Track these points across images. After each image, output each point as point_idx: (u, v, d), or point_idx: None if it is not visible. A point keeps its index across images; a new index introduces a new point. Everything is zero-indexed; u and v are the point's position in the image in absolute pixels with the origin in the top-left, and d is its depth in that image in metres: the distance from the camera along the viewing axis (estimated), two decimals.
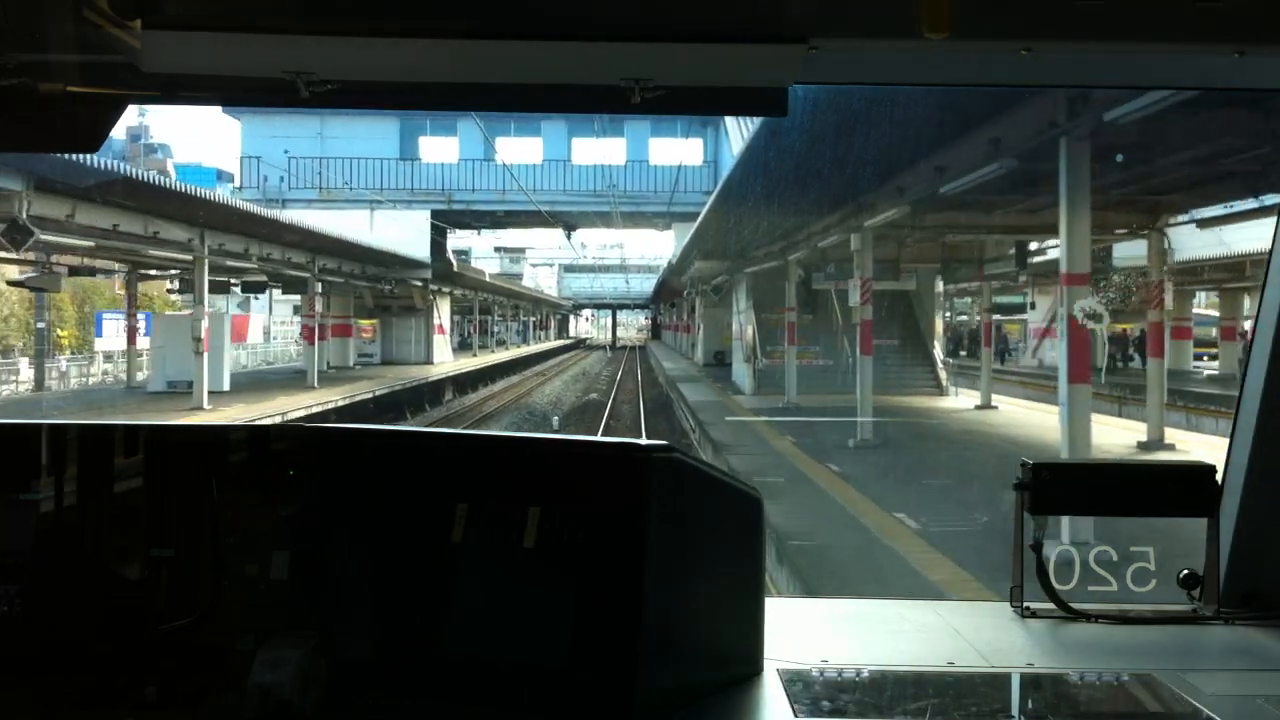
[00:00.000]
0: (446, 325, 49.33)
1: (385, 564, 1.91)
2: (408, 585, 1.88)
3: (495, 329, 66.86)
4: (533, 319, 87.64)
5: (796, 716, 1.75)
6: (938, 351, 32.11)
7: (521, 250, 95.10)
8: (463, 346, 58.66)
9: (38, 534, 1.95)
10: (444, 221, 44.45)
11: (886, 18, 1.78)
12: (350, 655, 1.82)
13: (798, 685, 1.88)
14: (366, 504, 1.95)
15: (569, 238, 59.30)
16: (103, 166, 18.20)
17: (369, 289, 40.22)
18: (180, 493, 2.01)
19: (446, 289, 46.57)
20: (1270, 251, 2.49)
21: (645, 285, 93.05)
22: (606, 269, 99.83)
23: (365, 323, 44.90)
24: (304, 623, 1.84)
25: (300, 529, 1.97)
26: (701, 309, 46.28)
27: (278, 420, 19.07)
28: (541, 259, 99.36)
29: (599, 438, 2.17)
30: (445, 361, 45.32)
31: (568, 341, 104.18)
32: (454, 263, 45.92)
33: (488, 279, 54.78)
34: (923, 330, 31.89)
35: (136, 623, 1.90)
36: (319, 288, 31.70)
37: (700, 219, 31.62)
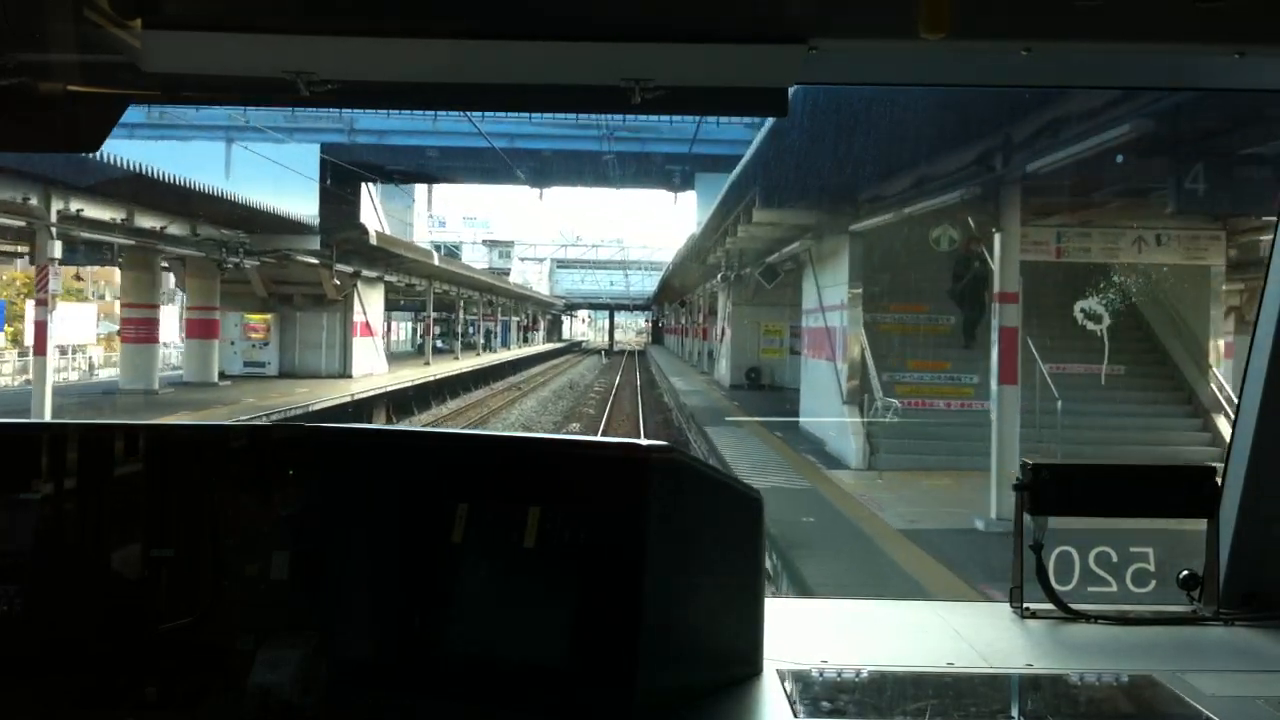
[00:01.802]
0: (378, 323, 37.60)
1: (385, 564, 1.92)
2: (408, 585, 1.89)
3: (469, 330, 57.61)
4: (516, 319, 75.96)
5: (796, 717, 1.76)
6: (1218, 383, 16.76)
7: (510, 243, 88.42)
8: (421, 351, 48.77)
9: (38, 534, 1.96)
10: (342, 160, 30.75)
11: (886, 18, 1.79)
12: (350, 655, 1.83)
13: (798, 686, 1.89)
14: (366, 504, 1.96)
15: (540, 196, 44.66)
16: None
17: (252, 267, 28.20)
18: (180, 493, 2.02)
19: (374, 274, 34.41)
20: (1270, 252, 2.50)
21: (646, 284, 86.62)
22: (603, 265, 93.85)
23: (255, 318, 32.89)
24: (304, 623, 1.85)
25: (300, 529, 1.98)
26: (730, 306, 33.84)
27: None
28: (531, 252, 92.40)
29: (599, 438, 2.15)
30: (373, 373, 34.14)
31: (558, 345, 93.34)
32: (372, 232, 30.76)
33: (437, 263, 40.75)
34: (1165, 344, 17.81)
35: (136, 623, 1.91)
36: (57, 249, 19.37)
37: (764, 136, 17.98)
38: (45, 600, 1.92)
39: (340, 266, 30.73)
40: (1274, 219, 2.55)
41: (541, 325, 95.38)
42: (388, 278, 36.71)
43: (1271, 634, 2.28)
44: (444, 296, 48.78)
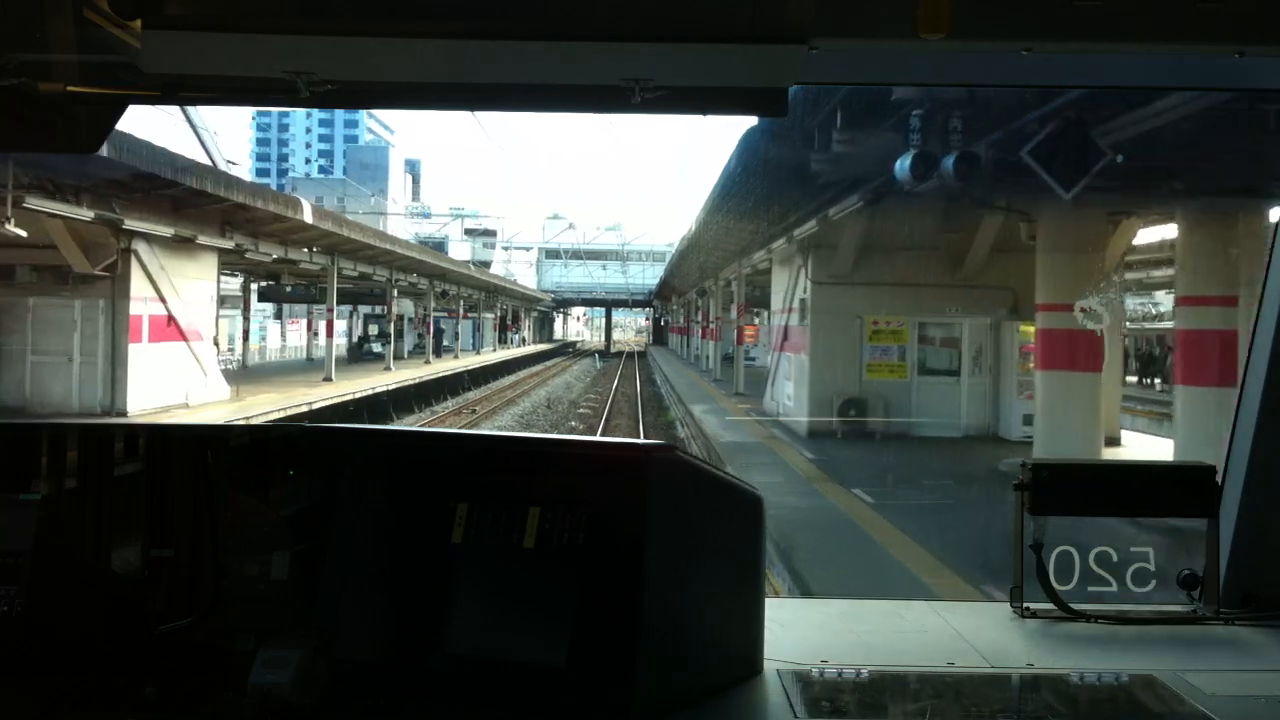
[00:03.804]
0: (200, 318, 22.04)
1: (385, 564, 1.92)
2: (408, 585, 1.89)
3: (419, 330, 46.22)
4: (491, 316, 63.51)
5: (796, 717, 1.76)
6: None
7: (492, 233, 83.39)
8: (352, 358, 40.60)
9: (38, 534, 1.95)
10: None
11: (886, 18, 1.78)
12: (350, 655, 1.83)
13: (798, 685, 1.89)
14: (366, 504, 1.96)
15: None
16: None
17: None
18: (180, 493, 2.03)
19: (177, 233, 20.01)
20: (1270, 251, 2.49)
21: (647, 277, 79.37)
22: (598, 255, 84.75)
23: None
24: (304, 623, 1.86)
25: (300, 529, 1.99)
26: (806, 287, 20.04)
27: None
28: (517, 240, 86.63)
29: (599, 438, 2.48)
30: (188, 403, 20.64)
31: (545, 347, 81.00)
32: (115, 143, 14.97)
33: (309, 218, 24.31)
34: None
35: (136, 623, 1.92)
36: None
37: None
38: (45, 600, 1.91)
39: (65, 209, 16.61)
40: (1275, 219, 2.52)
41: (526, 324, 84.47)
42: (217, 243, 22.36)
43: (1271, 634, 2.29)
44: (367, 283, 36.98)
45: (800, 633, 2.19)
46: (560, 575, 1.77)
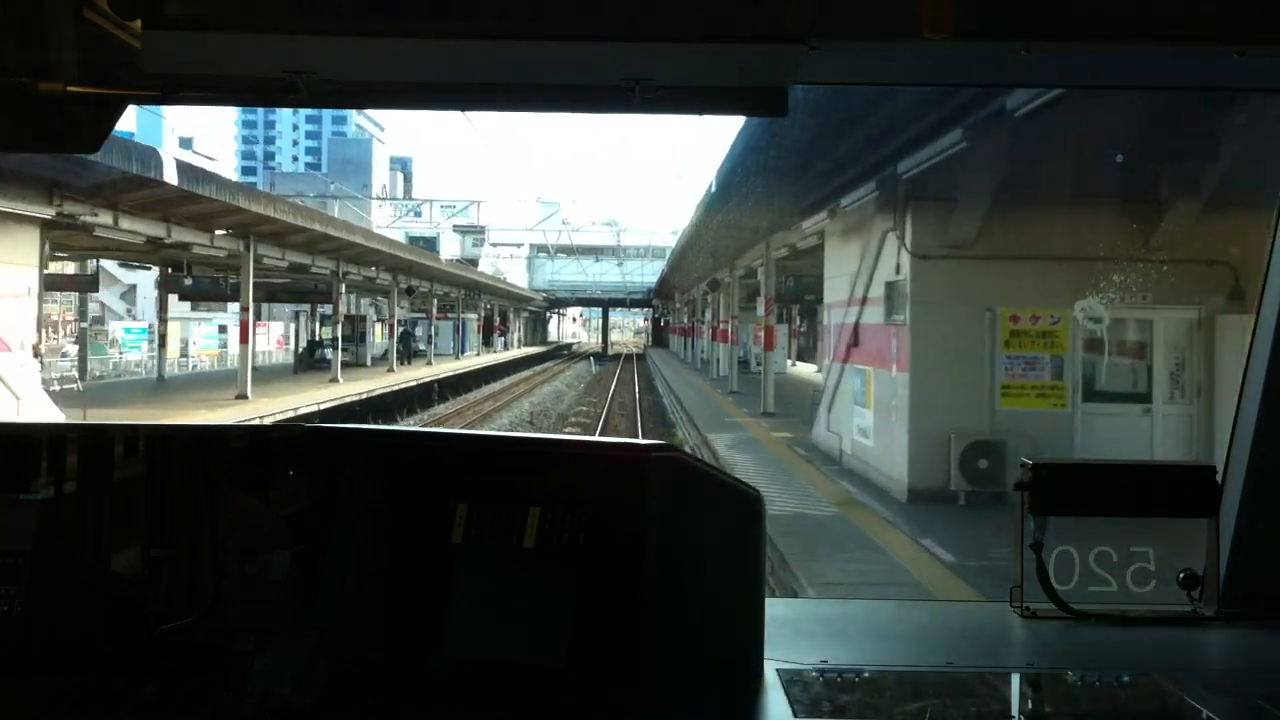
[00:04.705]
0: (11, 318, 16.29)
1: (385, 564, 1.92)
2: (408, 585, 1.89)
3: (381, 332, 41.40)
4: (475, 316, 58.61)
5: (796, 717, 1.75)
6: None
7: (481, 229, 77.36)
8: (312, 364, 36.14)
9: (38, 534, 1.95)
10: None
11: (886, 18, 1.79)
12: (350, 655, 1.83)
13: (797, 686, 1.89)
14: (366, 504, 1.96)
15: None
16: None
17: None
18: (180, 493, 2.03)
19: None
20: (1269, 251, 2.46)
21: (646, 274, 75.45)
22: (594, 251, 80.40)
23: None
24: (304, 623, 1.86)
25: (300, 529, 1.98)
26: (905, 263, 12.99)
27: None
28: (506, 237, 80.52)
29: (599, 438, 2.23)
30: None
31: (539, 350, 76.42)
32: None
33: (171, 178, 17.14)
34: None
35: (136, 623, 1.91)
36: None
37: None
38: (45, 600, 1.91)
39: None
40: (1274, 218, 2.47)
41: (517, 325, 78.31)
42: (25, 211, 15.98)
43: (1272, 634, 2.28)
44: (313, 278, 32.03)
45: (800, 633, 2.19)
46: (560, 575, 1.77)
